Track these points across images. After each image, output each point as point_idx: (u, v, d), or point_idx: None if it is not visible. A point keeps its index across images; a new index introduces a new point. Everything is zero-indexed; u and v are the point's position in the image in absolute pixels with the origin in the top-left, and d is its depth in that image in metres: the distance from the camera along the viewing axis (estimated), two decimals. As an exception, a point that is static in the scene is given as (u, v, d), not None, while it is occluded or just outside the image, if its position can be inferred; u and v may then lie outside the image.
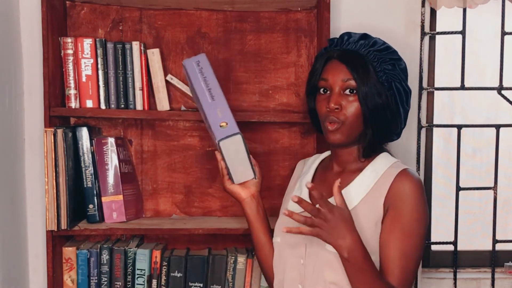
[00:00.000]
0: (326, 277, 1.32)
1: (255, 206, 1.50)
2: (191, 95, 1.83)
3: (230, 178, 1.48)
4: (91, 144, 1.73)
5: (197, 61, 1.49)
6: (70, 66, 1.73)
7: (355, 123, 1.36)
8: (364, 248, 1.24)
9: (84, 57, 1.73)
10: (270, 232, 1.51)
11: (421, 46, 1.94)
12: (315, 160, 1.55)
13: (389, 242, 1.29)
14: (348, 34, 1.44)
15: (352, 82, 1.35)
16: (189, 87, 1.58)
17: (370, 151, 1.41)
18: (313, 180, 1.49)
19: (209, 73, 1.47)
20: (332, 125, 1.36)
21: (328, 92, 1.38)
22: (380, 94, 1.36)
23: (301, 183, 1.50)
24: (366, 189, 1.37)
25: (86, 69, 1.73)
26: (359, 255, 1.22)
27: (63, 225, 1.66)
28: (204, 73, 1.46)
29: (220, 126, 1.37)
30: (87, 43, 1.73)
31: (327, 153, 1.56)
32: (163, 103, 1.80)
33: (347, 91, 1.36)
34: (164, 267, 1.73)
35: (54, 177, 1.65)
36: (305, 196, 1.44)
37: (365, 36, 1.43)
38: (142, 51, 1.77)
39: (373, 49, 1.40)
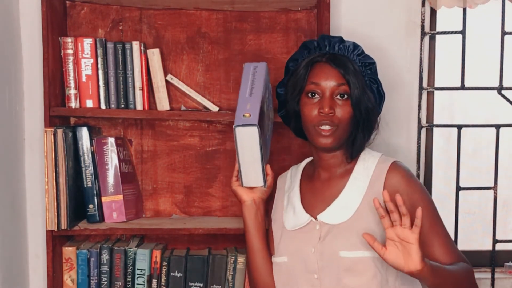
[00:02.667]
0: (347, 283, 1.33)
1: (254, 211, 1.49)
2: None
3: (240, 179, 1.47)
4: (91, 144, 1.73)
5: (255, 66, 1.54)
6: (70, 66, 1.73)
7: (347, 127, 1.38)
8: (433, 265, 1.24)
9: (84, 57, 1.73)
10: (266, 239, 1.50)
11: (421, 46, 1.94)
12: (297, 172, 1.54)
13: (422, 230, 1.29)
14: (328, 38, 1.45)
15: (346, 87, 1.36)
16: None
17: (357, 153, 1.43)
18: (301, 192, 1.48)
19: (260, 78, 1.50)
20: (326, 130, 1.36)
21: (317, 96, 1.38)
22: (369, 97, 1.39)
23: (289, 198, 1.49)
24: (362, 190, 1.37)
25: (86, 69, 1.73)
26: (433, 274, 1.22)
27: (63, 225, 1.66)
28: (255, 76, 1.50)
29: (244, 115, 1.38)
30: (87, 43, 1.73)
31: (306, 162, 1.56)
32: (163, 103, 1.80)
33: (338, 96, 1.37)
34: (164, 267, 1.73)
35: (54, 177, 1.65)
36: (299, 211, 1.43)
37: (342, 40, 1.44)
38: (142, 51, 1.77)
39: (355, 53, 1.42)
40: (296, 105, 1.43)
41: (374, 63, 1.43)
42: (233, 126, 1.37)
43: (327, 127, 1.36)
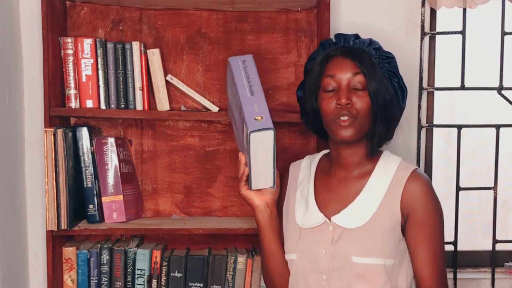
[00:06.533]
0: None
1: (268, 215, 1.45)
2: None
3: (248, 183, 1.43)
4: (91, 144, 1.73)
5: (243, 60, 1.49)
6: (70, 66, 1.73)
7: (365, 119, 1.35)
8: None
9: (84, 57, 1.73)
10: (281, 241, 1.48)
11: (421, 46, 1.94)
12: (312, 164, 1.52)
13: (419, 248, 1.32)
14: (343, 35, 1.45)
15: (361, 77, 1.35)
16: (228, 85, 1.56)
17: (376, 149, 1.41)
18: (315, 187, 1.46)
19: (253, 72, 1.46)
20: (345, 121, 1.33)
21: (334, 89, 1.36)
22: (388, 89, 1.37)
23: (302, 191, 1.47)
24: (380, 195, 1.36)
25: (86, 69, 1.73)
26: None
27: (63, 225, 1.66)
28: (248, 71, 1.46)
29: (255, 119, 1.34)
30: (87, 43, 1.73)
31: (322, 154, 1.54)
32: (163, 103, 1.80)
33: (358, 85, 1.35)
34: (164, 267, 1.73)
35: (54, 177, 1.65)
36: (312, 209, 1.41)
37: (358, 36, 1.44)
38: (142, 51, 1.77)
39: (371, 47, 1.41)
40: (314, 102, 1.41)
41: (393, 57, 1.42)
42: (248, 131, 1.32)
43: (345, 118, 1.33)
